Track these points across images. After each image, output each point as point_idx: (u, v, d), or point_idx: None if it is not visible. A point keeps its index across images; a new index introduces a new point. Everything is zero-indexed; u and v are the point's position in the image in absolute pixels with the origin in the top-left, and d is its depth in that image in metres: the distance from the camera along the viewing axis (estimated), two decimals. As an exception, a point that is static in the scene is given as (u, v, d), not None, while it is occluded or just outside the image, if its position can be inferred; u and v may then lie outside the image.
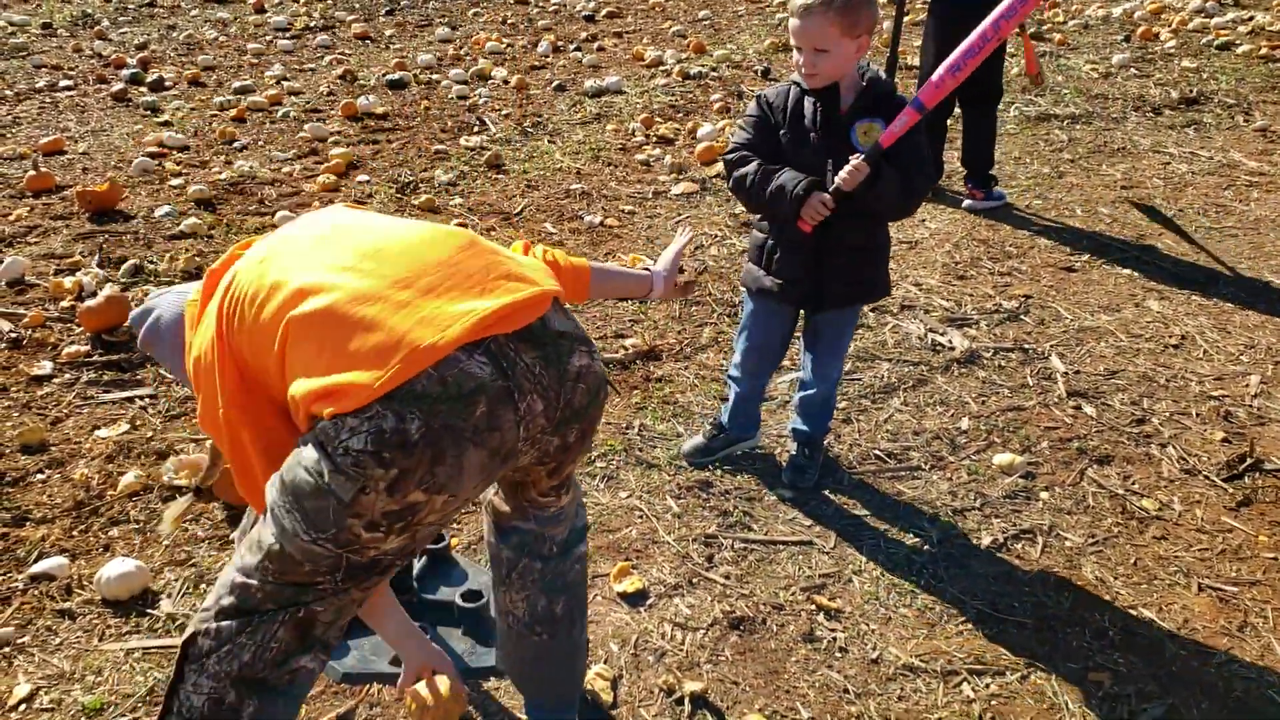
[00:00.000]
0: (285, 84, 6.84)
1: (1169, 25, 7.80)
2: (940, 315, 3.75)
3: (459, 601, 2.23)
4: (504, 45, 7.93)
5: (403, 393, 1.33)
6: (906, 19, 6.85)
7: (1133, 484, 2.84)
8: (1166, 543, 2.62)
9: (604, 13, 9.10)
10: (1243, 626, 2.34)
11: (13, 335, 3.51)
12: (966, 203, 4.78)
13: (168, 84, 6.81)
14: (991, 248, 4.36)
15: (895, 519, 2.70)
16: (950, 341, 3.55)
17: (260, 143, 5.71)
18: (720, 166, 4.91)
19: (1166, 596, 2.44)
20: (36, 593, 2.40)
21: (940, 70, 2.32)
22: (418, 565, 2.31)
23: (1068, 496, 2.79)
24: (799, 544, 2.61)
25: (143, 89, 6.68)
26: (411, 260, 1.47)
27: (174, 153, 5.50)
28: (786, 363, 3.00)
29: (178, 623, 2.31)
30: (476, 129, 5.98)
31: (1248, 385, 3.30)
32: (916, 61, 6.14)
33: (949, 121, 4.79)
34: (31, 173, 4.92)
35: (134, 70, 6.94)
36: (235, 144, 5.65)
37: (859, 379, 3.33)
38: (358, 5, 9.44)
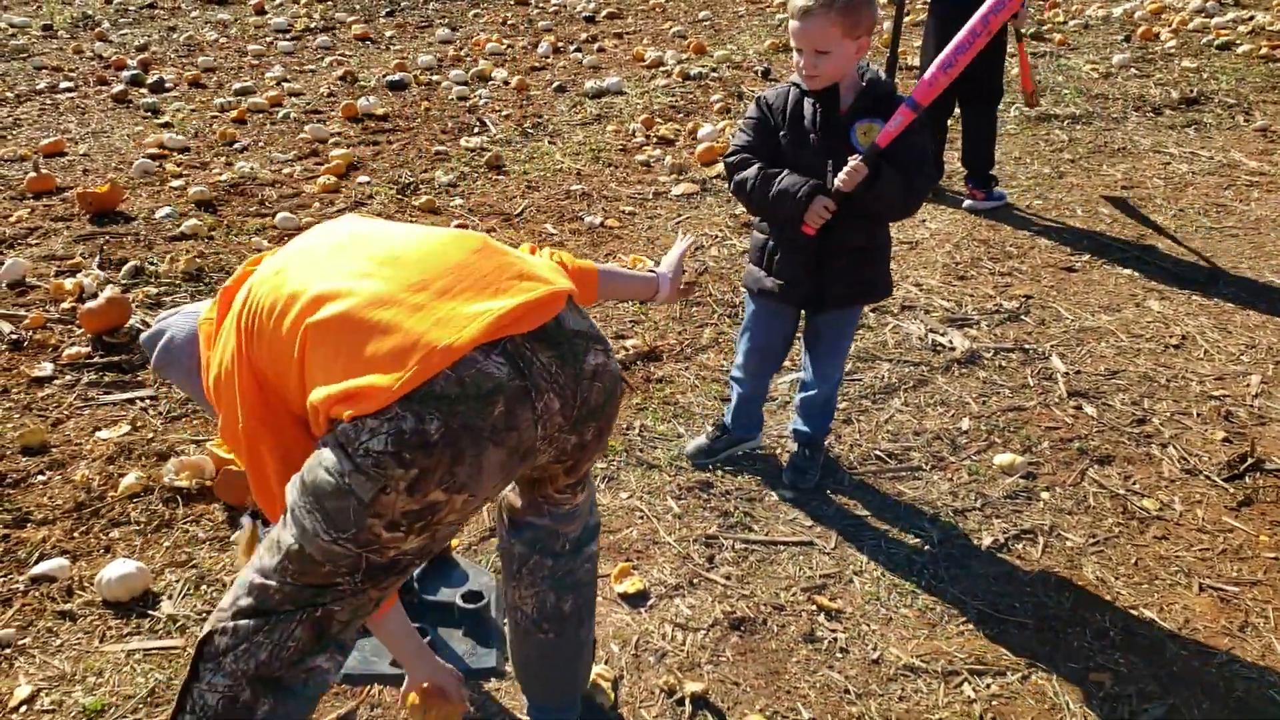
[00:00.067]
0: (286, 85, 6.84)
1: (1169, 25, 7.80)
2: (941, 315, 3.75)
3: (460, 603, 2.24)
4: (504, 46, 7.93)
5: (421, 394, 1.34)
6: (906, 19, 6.85)
7: (1133, 484, 2.84)
8: (1167, 543, 2.62)
9: (604, 14, 9.10)
10: (1244, 626, 2.34)
11: (13, 337, 3.51)
12: (967, 203, 4.78)
13: (168, 85, 6.82)
14: (992, 248, 4.36)
15: (896, 519, 2.70)
16: (951, 342, 3.55)
17: (261, 144, 5.72)
18: (720, 167, 4.91)
19: (1167, 596, 2.44)
20: (37, 594, 2.40)
21: (933, 68, 2.32)
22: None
23: (1068, 497, 2.79)
24: (800, 544, 2.61)
25: (143, 90, 6.69)
26: (426, 264, 1.48)
27: (174, 154, 5.51)
28: (787, 363, 3.00)
29: (178, 624, 2.31)
30: (477, 130, 5.98)
31: (1248, 385, 3.30)
32: (916, 61, 6.14)
33: (949, 121, 4.79)
34: (32, 174, 4.92)
35: (134, 72, 6.95)
36: (236, 145, 5.65)
37: (860, 379, 3.33)
38: (358, 6, 9.45)
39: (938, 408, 3.19)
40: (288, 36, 8.33)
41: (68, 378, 3.30)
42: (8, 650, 2.24)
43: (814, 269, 2.53)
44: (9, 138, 5.76)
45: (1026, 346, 3.54)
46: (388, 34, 8.49)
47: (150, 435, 3.02)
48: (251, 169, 5.22)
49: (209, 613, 2.31)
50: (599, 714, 2.08)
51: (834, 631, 2.33)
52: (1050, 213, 4.73)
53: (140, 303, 3.75)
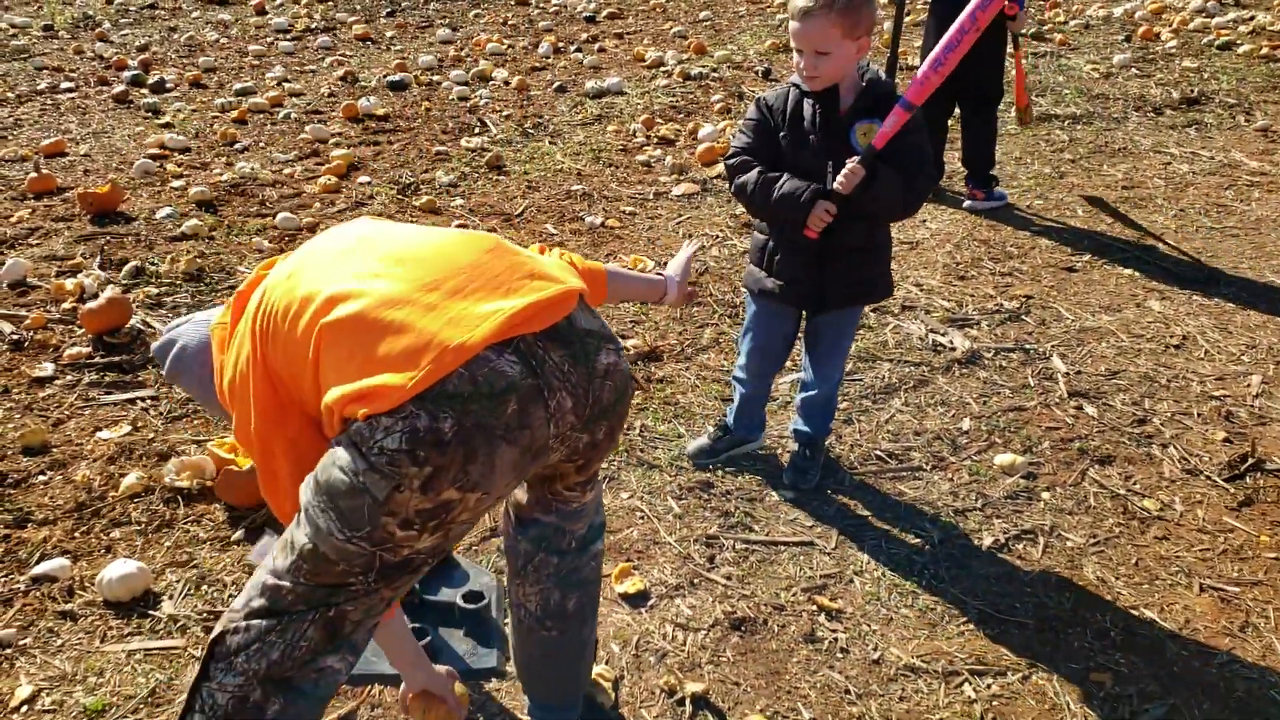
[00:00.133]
0: (286, 85, 6.85)
1: (1170, 25, 7.80)
2: (941, 316, 3.75)
3: (460, 603, 2.24)
4: (505, 46, 7.93)
5: (435, 392, 1.35)
6: (907, 19, 6.86)
7: (1134, 484, 2.84)
8: (1168, 543, 2.61)
9: (605, 14, 9.10)
10: (1244, 627, 2.34)
11: (14, 337, 3.51)
12: (967, 203, 4.78)
13: (169, 86, 6.82)
14: (992, 248, 4.36)
15: (896, 519, 2.70)
16: (951, 342, 3.55)
17: (261, 144, 5.72)
18: (721, 167, 4.91)
19: (1168, 597, 2.44)
20: (38, 594, 2.40)
21: (924, 67, 2.32)
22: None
23: (1069, 497, 2.79)
24: (800, 545, 2.61)
25: (144, 91, 6.69)
26: (438, 264, 1.49)
27: (175, 154, 5.51)
28: (788, 364, 3.00)
29: (179, 624, 2.31)
30: (477, 130, 5.98)
31: (1249, 385, 3.30)
32: (917, 61, 6.14)
33: (949, 122, 4.79)
34: (33, 174, 4.93)
35: (135, 72, 6.95)
36: (236, 145, 5.65)
37: (860, 379, 3.33)
38: (359, 7, 9.45)
39: (938, 408, 3.19)
40: (288, 37, 8.33)
41: (69, 378, 3.31)
42: (9, 650, 2.24)
43: (814, 269, 2.54)
44: (10, 138, 5.76)
45: (1027, 346, 3.54)
46: (388, 34, 8.49)
47: (151, 435, 3.02)
48: (252, 169, 5.23)
49: (210, 613, 2.33)
50: (600, 713, 2.08)
51: (834, 632, 2.33)
52: (1051, 213, 4.73)
53: (141, 303, 3.75)
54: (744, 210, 4.46)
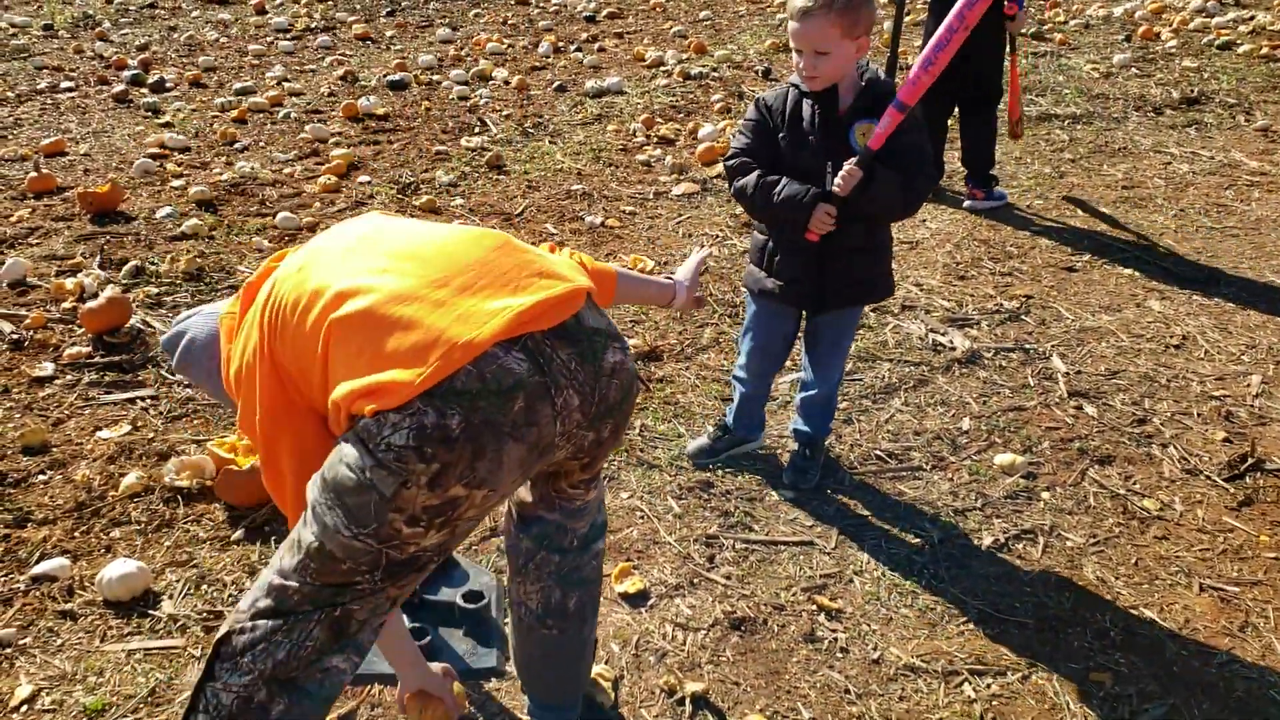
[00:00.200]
0: (286, 85, 6.85)
1: (1170, 25, 7.80)
2: (941, 315, 3.75)
3: (460, 602, 2.24)
4: (505, 46, 7.93)
5: (443, 389, 1.35)
6: (907, 19, 6.85)
7: (1134, 484, 2.84)
8: (1168, 543, 2.62)
9: (605, 13, 9.10)
10: (1244, 626, 2.34)
11: (14, 336, 3.51)
12: (967, 203, 4.78)
13: (169, 85, 6.82)
14: (992, 248, 4.36)
15: (896, 519, 2.70)
16: (951, 342, 3.55)
17: (261, 144, 5.72)
18: (721, 167, 4.91)
19: (1168, 596, 2.44)
20: (38, 594, 2.40)
21: (915, 67, 2.31)
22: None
23: (1069, 497, 2.79)
24: (800, 544, 2.61)
25: (144, 90, 6.69)
26: (447, 261, 1.50)
27: (175, 154, 5.51)
28: (788, 363, 3.00)
29: (179, 624, 2.31)
30: (477, 130, 5.98)
31: (1249, 385, 3.30)
32: (917, 62, 6.13)
33: (949, 121, 4.79)
34: (33, 174, 4.93)
35: (135, 71, 6.95)
36: (236, 145, 5.65)
37: (860, 379, 3.33)
38: (359, 6, 9.45)
39: (938, 408, 3.19)
40: (288, 36, 8.33)
41: (68, 377, 3.30)
42: (8, 650, 2.24)
43: (814, 270, 2.53)
44: (10, 137, 5.76)
45: (1027, 346, 3.54)
46: (388, 34, 8.49)
47: (151, 435, 3.02)
48: (252, 169, 5.22)
49: (210, 612, 2.33)
50: (599, 713, 2.08)
51: (834, 631, 2.33)
52: (1051, 213, 4.73)
53: (141, 302, 3.75)
54: (744, 210, 4.47)
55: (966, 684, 2.19)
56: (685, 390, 3.29)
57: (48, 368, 3.33)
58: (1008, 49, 4.60)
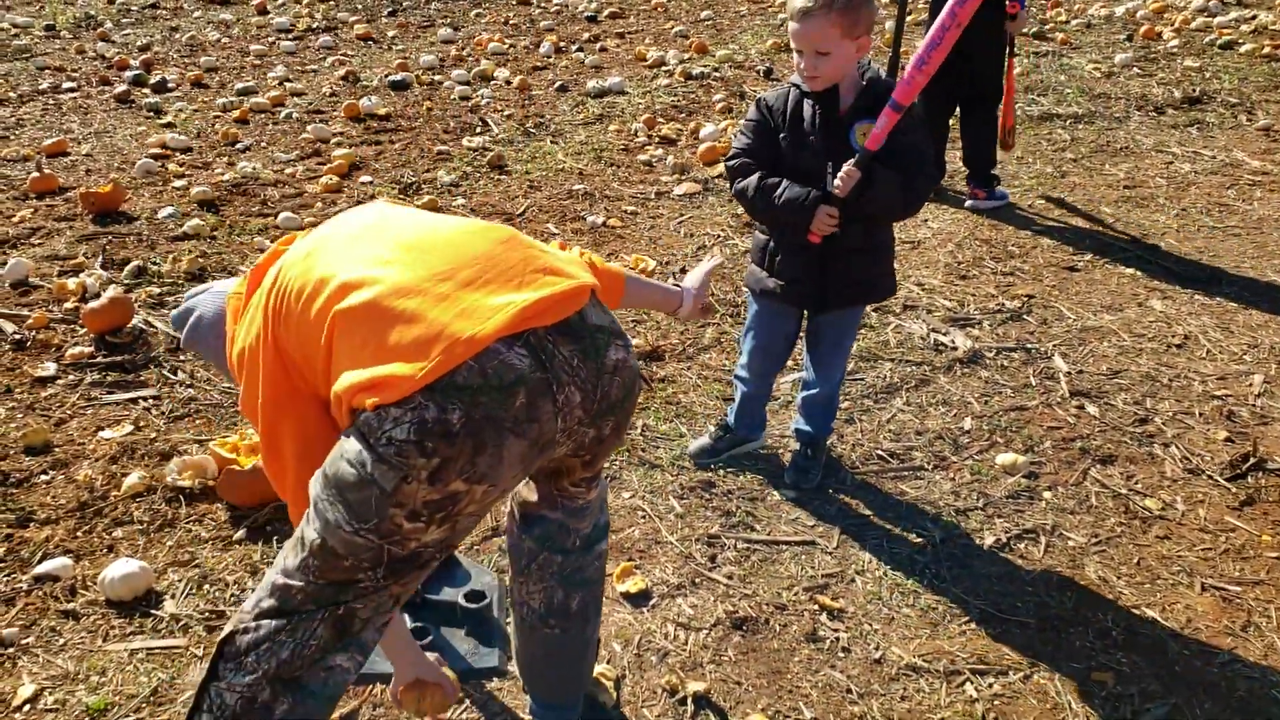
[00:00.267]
0: (288, 85, 6.85)
1: (1171, 24, 7.80)
2: (943, 315, 3.75)
3: (462, 602, 2.24)
4: (506, 46, 7.93)
5: (444, 384, 1.35)
6: (909, 19, 6.85)
7: (1136, 484, 2.84)
8: (1169, 542, 2.61)
9: (606, 13, 9.10)
10: (1246, 626, 2.34)
11: (17, 337, 3.51)
12: (969, 202, 4.78)
13: (171, 85, 6.83)
14: (994, 247, 4.36)
15: (898, 519, 2.70)
16: (953, 341, 3.55)
17: (263, 144, 5.72)
18: (722, 167, 4.91)
19: (1170, 596, 2.43)
20: (40, 593, 2.40)
21: (909, 67, 2.31)
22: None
23: (1070, 496, 2.79)
24: (802, 544, 2.61)
25: (146, 90, 6.70)
26: (452, 254, 1.50)
27: (177, 154, 5.51)
28: (790, 363, 3.00)
29: (181, 623, 2.31)
30: (479, 130, 5.98)
31: (1251, 385, 3.30)
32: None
33: (950, 121, 4.79)
34: (35, 174, 4.93)
35: (137, 72, 6.96)
36: (238, 145, 5.66)
37: (862, 379, 3.33)
38: (360, 6, 9.45)
39: (940, 407, 3.19)
40: (290, 36, 8.33)
41: (71, 377, 3.31)
42: (11, 649, 2.25)
43: (815, 270, 2.53)
44: (12, 138, 5.77)
45: (1029, 346, 3.53)
46: (390, 34, 8.50)
47: (153, 435, 3.02)
48: (254, 169, 5.23)
49: (212, 612, 2.33)
50: (601, 713, 2.08)
51: (836, 631, 2.33)
52: (1052, 212, 4.73)
53: (143, 303, 3.76)
54: (745, 211, 4.47)
55: (968, 684, 2.19)
56: (687, 390, 3.29)
57: (50, 368, 3.33)
58: (1009, 50, 4.60)
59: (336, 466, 1.41)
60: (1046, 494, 2.79)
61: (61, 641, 2.28)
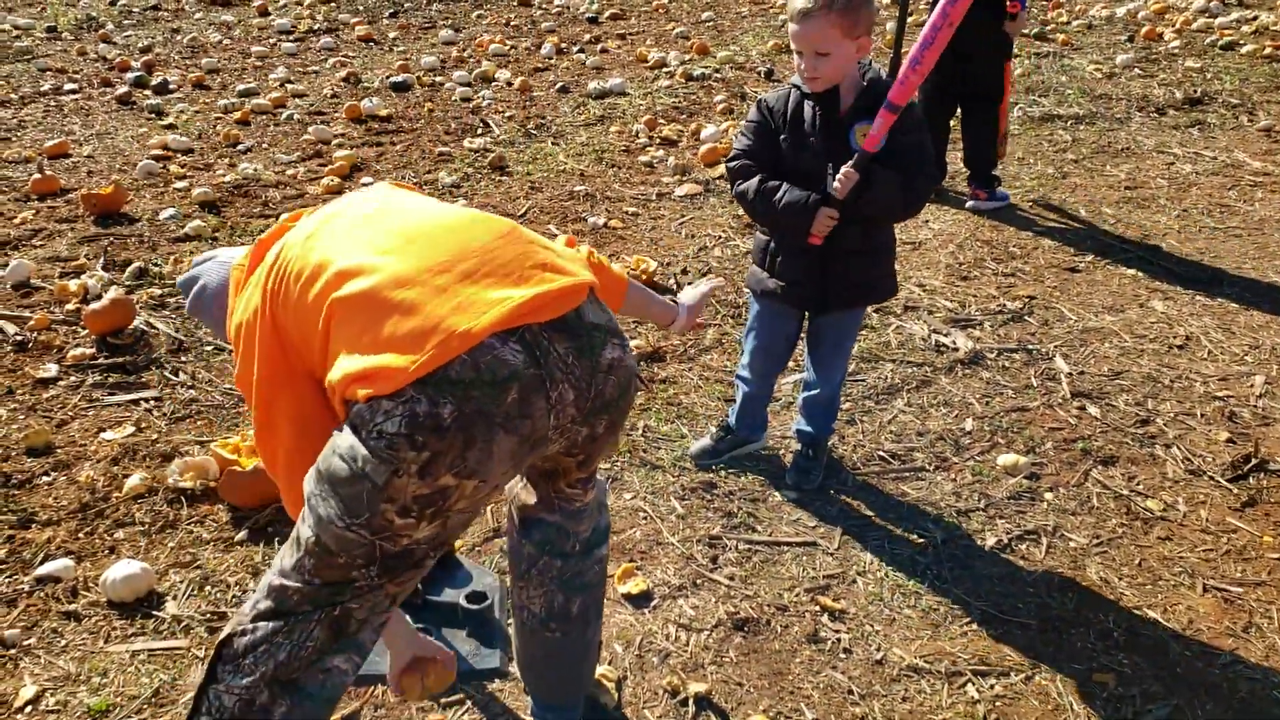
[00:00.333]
0: (289, 86, 6.86)
1: (1173, 25, 7.80)
2: (944, 316, 3.75)
3: (463, 603, 2.24)
4: (507, 47, 7.94)
5: (437, 378, 1.35)
6: (910, 19, 6.85)
7: (1137, 485, 2.83)
8: (1171, 543, 2.61)
9: (607, 14, 9.11)
10: (1248, 627, 2.34)
11: (18, 338, 3.52)
12: (970, 203, 4.78)
13: (172, 87, 6.83)
14: (995, 248, 4.36)
15: (899, 520, 2.70)
16: (954, 342, 3.55)
17: (264, 145, 5.73)
18: (723, 168, 4.91)
19: (1171, 597, 2.43)
20: (42, 595, 2.40)
21: (903, 67, 2.31)
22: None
23: (1072, 497, 2.78)
24: (803, 545, 2.61)
25: (147, 92, 6.70)
26: (452, 245, 1.50)
27: (178, 155, 5.52)
28: (791, 364, 3.00)
29: (183, 624, 2.32)
30: (480, 131, 5.99)
31: (1252, 386, 3.30)
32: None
33: (951, 122, 4.79)
34: (36, 176, 4.94)
35: (139, 73, 6.97)
36: (239, 147, 5.66)
37: (863, 380, 3.33)
38: (361, 8, 9.46)
39: (941, 408, 3.18)
40: (291, 38, 8.34)
41: (72, 379, 3.31)
42: (13, 651, 2.25)
43: (816, 271, 2.53)
44: (14, 139, 5.77)
45: (1030, 347, 3.53)
46: (391, 35, 8.50)
47: (154, 436, 3.02)
48: (255, 170, 5.23)
49: (213, 613, 2.33)
50: (603, 714, 2.08)
51: (837, 632, 2.33)
52: (1054, 213, 4.73)
53: (144, 304, 3.76)
54: (745, 213, 4.47)
55: (970, 685, 2.19)
56: (688, 391, 3.29)
57: (52, 369, 3.34)
58: (1013, 49, 4.59)
59: (329, 462, 1.41)
60: (1048, 495, 2.79)
61: (63, 643, 2.28)
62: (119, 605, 2.37)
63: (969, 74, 4.47)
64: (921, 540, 2.62)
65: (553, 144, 5.75)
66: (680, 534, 2.64)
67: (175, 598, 2.40)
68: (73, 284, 3.85)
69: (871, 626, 2.34)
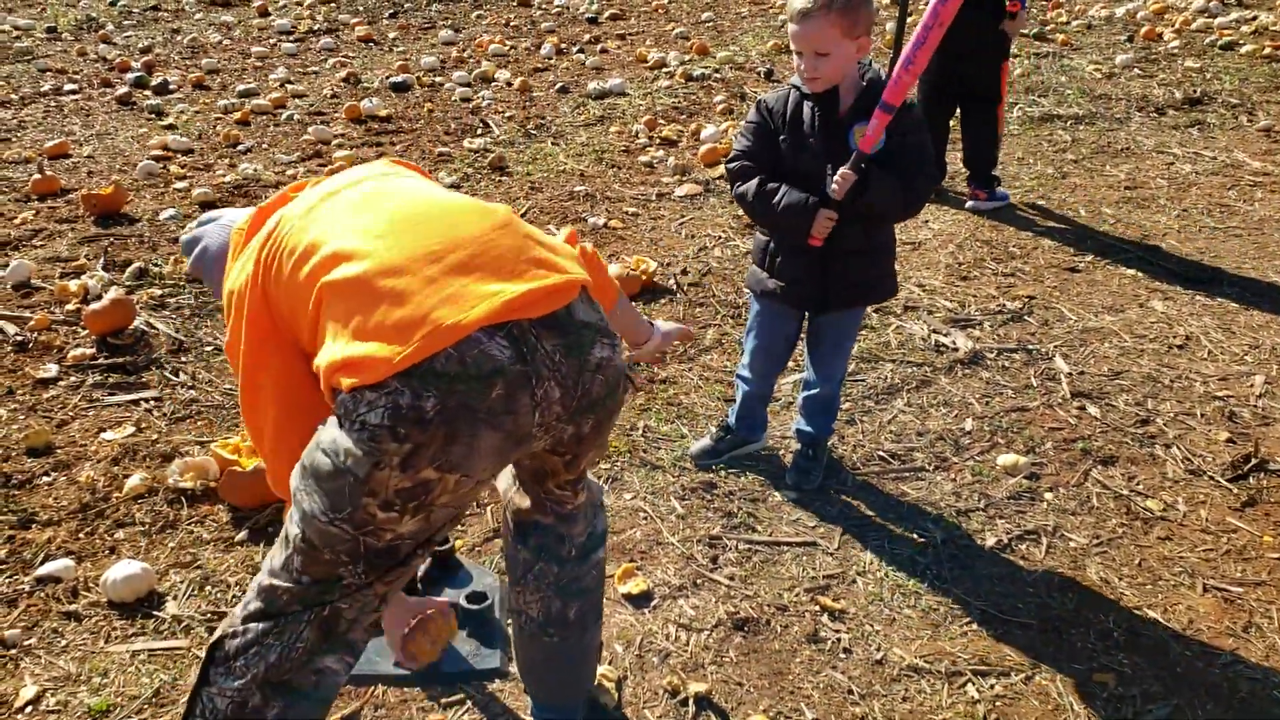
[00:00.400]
0: (289, 87, 6.86)
1: (1172, 25, 7.80)
2: (944, 316, 3.75)
3: (463, 603, 2.24)
4: (507, 47, 7.94)
5: (422, 370, 1.34)
6: (909, 19, 6.85)
7: (1137, 485, 2.84)
8: (1171, 543, 2.61)
9: (607, 15, 9.11)
10: (1248, 627, 2.34)
11: (19, 338, 3.52)
12: (970, 203, 4.78)
13: (172, 87, 6.84)
14: (995, 248, 4.36)
15: (899, 520, 2.70)
16: (954, 342, 3.55)
17: (264, 145, 5.73)
18: (723, 168, 4.91)
19: (1171, 597, 2.43)
20: (43, 595, 2.40)
21: (896, 67, 2.31)
22: (423, 567, 2.32)
23: (1072, 497, 2.79)
24: (803, 545, 2.61)
25: (147, 92, 6.71)
26: (445, 233, 1.48)
27: (178, 156, 5.52)
28: (791, 364, 3.00)
29: (183, 625, 2.32)
30: (480, 131, 5.99)
31: (1252, 385, 3.30)
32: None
33: (951, 122, 4.79)
34: (37, 176, 4.94)
35: (139, 74, 6.97)
36: (239, 147, 5.66)
37: (863, 380, 3.33)
38: (361, 8, 9.46)
39: (941, 408, 3.19)
40: (291, 38, 8.35)
41: (72, 379, 3.31)
42: (13, 651, 2.25)
43: (816, 271, 2.53)
44: (14, 140, 5.78)
45: (1030, 347, 3.53)
46: (391, 35, 8.51)
47: (155, 436, 3.02)
48: (255, 170, 5.23)
49: (214, 613, 2.33)
50: (603, 714, 2.08)
51: (837, 632, 2.33)
52: (1053, 213, 4.73)
53: (144, 304, 3.76)
54: (745, 214, 4.47)
55: (970, 685, 2.19)
56: (688, 391, 3.29)
57: (52, 369, 3.34)
58: (1010, 50, 4.59)
59: (312, 456, 1.41)
60: (1048, 495, 2.79)
61: (63, 643, 2.28)
62: (119, 605, 2.37)
63: (966, 74, 4.47)
64: (921, 540, 2.62)
65: (553, 144, 5.75)
66: (680, 534, 2.64)
67: (175, 598, 2.40)
68: (73, 284, 3.85)
69: (871, 626, 2.34)
